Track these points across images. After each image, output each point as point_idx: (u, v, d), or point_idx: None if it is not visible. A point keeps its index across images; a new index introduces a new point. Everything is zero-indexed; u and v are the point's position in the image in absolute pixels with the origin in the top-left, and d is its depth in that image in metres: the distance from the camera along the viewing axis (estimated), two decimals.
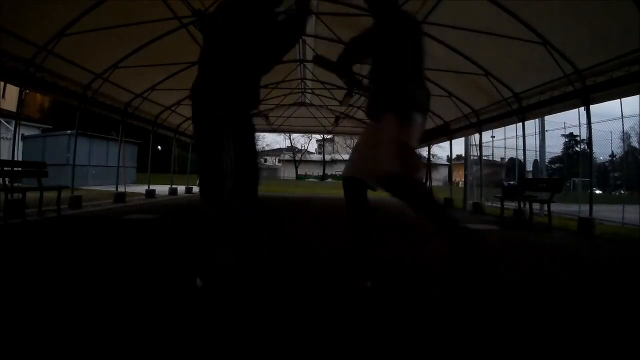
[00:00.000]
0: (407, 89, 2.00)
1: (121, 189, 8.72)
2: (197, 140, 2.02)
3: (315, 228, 4.86)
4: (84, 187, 11.62)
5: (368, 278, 2.11)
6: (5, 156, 9.47)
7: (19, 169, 5.68)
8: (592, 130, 5.48)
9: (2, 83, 12.13)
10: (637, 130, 10.04)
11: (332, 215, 6.70)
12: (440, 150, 32.22)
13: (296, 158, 45.87)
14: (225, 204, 1.92)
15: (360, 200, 2.14)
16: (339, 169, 45.90)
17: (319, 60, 2.39)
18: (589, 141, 5.53)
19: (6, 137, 13.82)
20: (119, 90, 7.45)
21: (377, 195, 2.26)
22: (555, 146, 20.29)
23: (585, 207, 5.69)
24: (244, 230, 2.07)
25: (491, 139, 10.16)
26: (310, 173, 45.41)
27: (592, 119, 5.39)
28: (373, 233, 2.17)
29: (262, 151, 47.89)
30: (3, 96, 14.37)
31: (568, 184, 10.02)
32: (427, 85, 2.21)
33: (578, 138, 13.19)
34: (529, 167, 9.29)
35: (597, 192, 10.81)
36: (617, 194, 10.89)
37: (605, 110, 6.36)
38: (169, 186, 11.40)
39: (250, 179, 2.04)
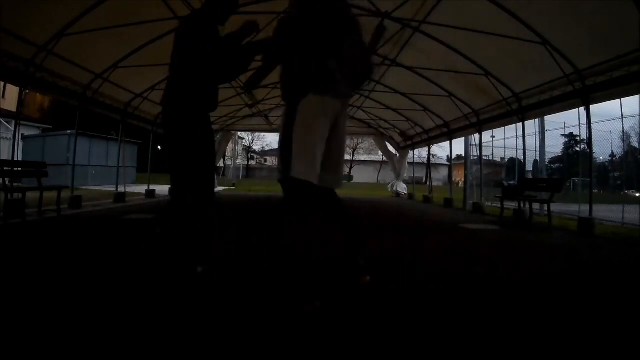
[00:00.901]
0: (326, 64, 1.86)
1: (121, 189, 8.71)
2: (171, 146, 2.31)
3: (314, 228, 4.85)
4: (84, 187, 11.62)
5: (367, 274, 2.12)
6: (5, 156, 9.47)
7: (19, 169, 5.68)
8: (592, 130, 5.48)
9: (2, 83, 12.14)
10: (637, 130, 10.02)
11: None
12: (440, 150, 32.29)
13: None
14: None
15: (327, 198, 2.11)
16: None
17: (248, 87, 2.41)
18: (589, 141, 5.53)
19: (6, 137, 13.81)
20: (119, 90, 7.44)
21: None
22: (555, 146, 20.26)
23: (585, 207, 5.69)
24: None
25: (491, 139, 10.17)
26: None
27: (592, 119, 5.40)
28: (354, 228, 2.15)
29: (262, 151, 47.99)
30: (3, 96, 14.36)
31: (568, 184, 10.00)
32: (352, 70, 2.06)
33: (578, 138, 13.15)
34: (529, 167, 9.28)
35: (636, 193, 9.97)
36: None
37: (605, 110, 6.36)
38: (169, 186, 11.37)
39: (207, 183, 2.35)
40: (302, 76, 1.87)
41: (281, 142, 1.97)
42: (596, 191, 10.87)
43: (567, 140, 17.02)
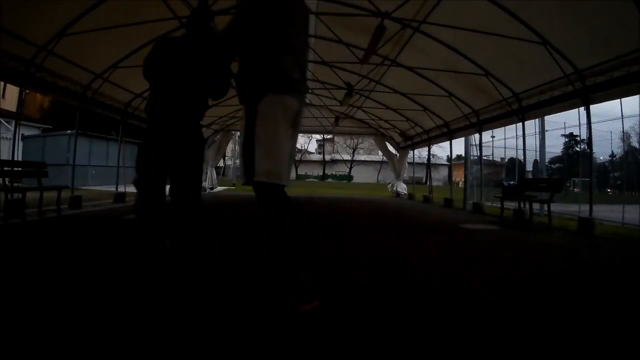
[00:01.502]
0: (279, 63, 1.78)
1: (121, 189, 8.71)
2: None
3: (312, 228, 4.86)
4: (84, 187, 11.61)
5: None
6: (5, 156, 9.46)
7: (19, 169, 5.68)
8: (592, 130, 5.48)
9: (2, 83, 12.14)
10: (637, 130, 10.04)
11: (331, 214, 6.70)
12: (440, 150, 32.27)
13: (296, 158, 45.83)
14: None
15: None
16: (339, 169, 45.91)
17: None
18: (589, 141, 5.53)
19: (6, 137, 13.82)
20: (119, 90, 7.45)
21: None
22: (555, 146, 20.28)
23: (585, 207, 5.69)
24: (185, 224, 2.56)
25: (491, 139, 10.18)
26: (310, 173, 45.42)
27: (592, 119, 5.39)
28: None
29: None
30: (3, 96, 14.37)
31: (568, 184, 10.00)
32: (305, 64, 2.03)
33: (578, 138, 13.17)
34: (529, 167, 9.28)
35: None
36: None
37: (605, 110, 6.36)
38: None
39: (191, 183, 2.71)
40: (258, 77, 1.79)
41: (242, 145, 1.87)
42: (596, 192, 10.95)
43: (567, 140, 17.04)
